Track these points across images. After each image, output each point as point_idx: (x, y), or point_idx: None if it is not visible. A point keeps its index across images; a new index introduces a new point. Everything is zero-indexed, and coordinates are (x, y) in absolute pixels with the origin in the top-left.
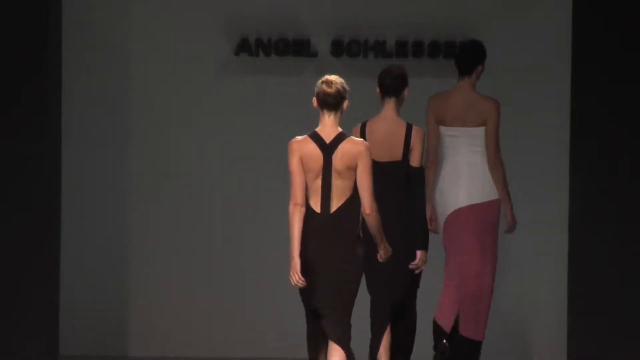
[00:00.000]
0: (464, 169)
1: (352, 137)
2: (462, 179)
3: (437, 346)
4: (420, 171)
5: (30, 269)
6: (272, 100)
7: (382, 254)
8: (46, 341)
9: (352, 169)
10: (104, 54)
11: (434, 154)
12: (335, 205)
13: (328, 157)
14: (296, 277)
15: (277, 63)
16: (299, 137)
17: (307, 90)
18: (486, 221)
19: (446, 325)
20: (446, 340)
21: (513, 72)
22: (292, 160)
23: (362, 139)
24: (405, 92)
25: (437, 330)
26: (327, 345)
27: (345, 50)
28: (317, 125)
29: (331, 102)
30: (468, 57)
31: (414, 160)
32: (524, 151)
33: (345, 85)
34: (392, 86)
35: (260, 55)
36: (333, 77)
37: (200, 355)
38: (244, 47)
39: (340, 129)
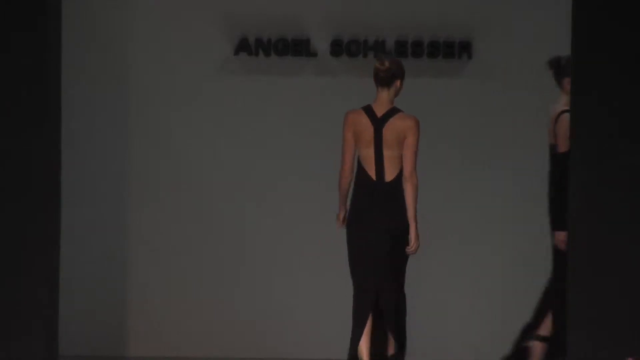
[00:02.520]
0: None
1: (403, 112)
2: None
3: None
4: (560, 157)
5: (30, 269)
6: (271, 100)
7: (412, 238)
8: (46, 341)
9: (401, 141)
10: (104, 54)
11: None
12: (389, 174)
13: (379, 130)
14: (338, 224)
15: (277, 63)
16: (354, 109)
17: (307, 90)
18: None
19: None
20: None
21: (513, 72)
22: (346, 131)
23: (413, 115)
24: (566, 82)
25: None
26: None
27: (345, 50)
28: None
29: (382, 77)
30: None
31: (561, 146)
32: (524, 151)
33: (401, 66)
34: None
35: (260, 55)
36: (387, 56)
37: (200, 355)
38: (243, 46)
39: (393, 105)
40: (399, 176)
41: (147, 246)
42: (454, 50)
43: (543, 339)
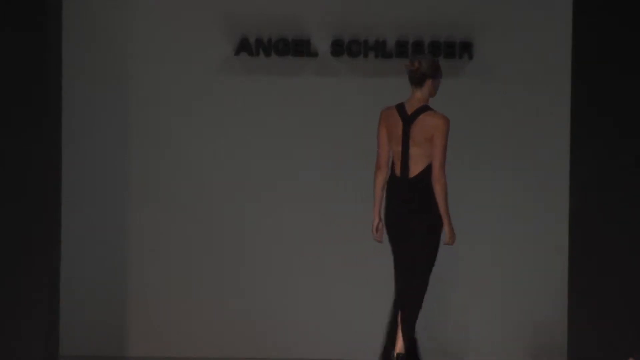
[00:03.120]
0: None
1: (433, 110)
2: None
3: None
4: None
5: (31, 269)
6: (272, 100)
7: (447, 237)
8: (46, 341)
9: (429, 139)
10: (104, 54)
11: None
12: (413, 170)
13: (407, 127)
14: (373, 234)
15: (277, 63)
16: (389, 106)
17: (307, 90)
18: None
19: None
20: None
21: (513, 71)
22: (379, 128)
23: (443, 114)
24: None
25: None
26: None
27: (345, 50)
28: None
29: (413, 78)
30: None
31: None
32: (524, 151)
33: (432, 65)
34: None
35: (260, 55)
36: (421, 56)
37: (200, 355)
38: (244, 47)
39: (424, 103)
40: (424, 172)
41: (147, 246)
42: (454, 50)
43: None
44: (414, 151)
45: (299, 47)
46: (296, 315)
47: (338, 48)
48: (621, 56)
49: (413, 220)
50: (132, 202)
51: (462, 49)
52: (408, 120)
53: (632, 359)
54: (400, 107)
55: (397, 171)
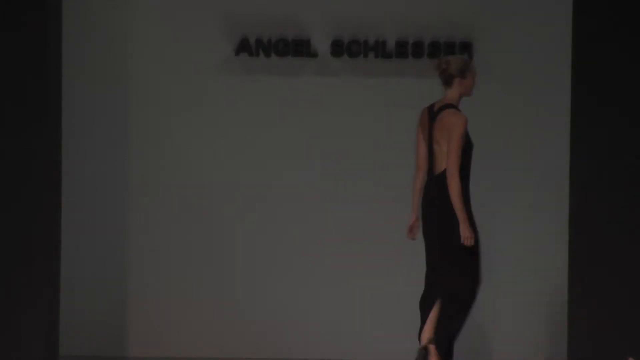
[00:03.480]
0: None
1: (454, 109)
2: None
3: None
4: None
5: (30, 269)
6: (272, 101)
7: (460, 232)
8: (46, 341)
9: (446, 137)
10: (104, 54)
11: None
12: (438, 167)
13: (431, 125)
14: (406, 232)
15: (277, 63)
16: (426, 106)
17: (307, 91)
18: None
19: None
20: None
21: (513, 72)
22: (417, 128)
23: (461, 113)
24: None
25: None
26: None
27: (345, 50)
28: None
29: (442, 78)
30: None
31: None
32: (524, 151)
33: (460, 65)
34: None
35: (260, 55)
36: (447, 57)
37: (200, 355)
38: (244, 47)
39: (450, 102)
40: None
41: (147, 246)
42: (454, 50)
43: None
44: (437, 148)
45: (299, 47)
46: (296, 315)
47: (338, 48)
48: (621, 56)
49: (434, 217)
50: (132, 202)
51: (462, 49)
52: (432, 118)
53: (632, 359)
54: (431, 106)
55: (429, 169)
